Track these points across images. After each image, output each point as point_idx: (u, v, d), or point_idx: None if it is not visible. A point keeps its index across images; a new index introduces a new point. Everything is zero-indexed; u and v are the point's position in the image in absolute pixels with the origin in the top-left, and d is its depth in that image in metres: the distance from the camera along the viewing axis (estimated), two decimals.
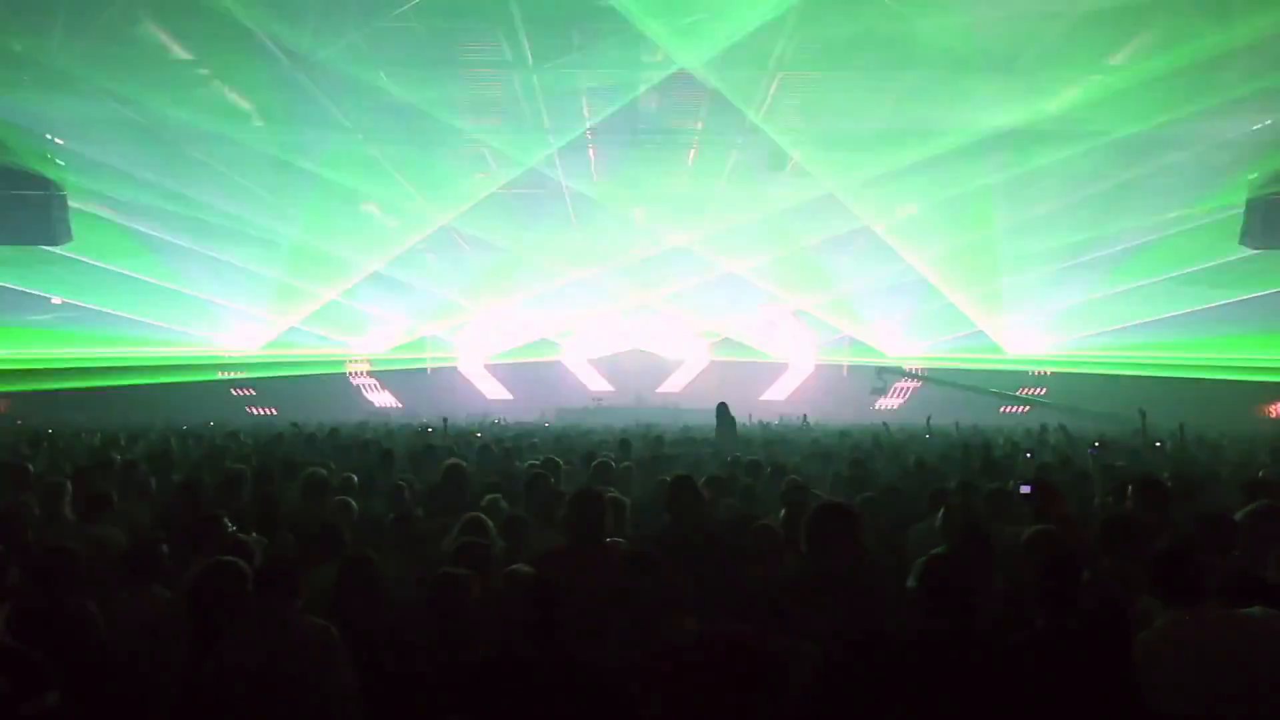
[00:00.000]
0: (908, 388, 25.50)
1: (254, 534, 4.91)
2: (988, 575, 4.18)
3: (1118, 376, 20.76)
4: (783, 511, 5.18)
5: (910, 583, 4.52)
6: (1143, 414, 11.93)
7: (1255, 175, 16.34)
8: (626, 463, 8.35)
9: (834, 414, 21.84)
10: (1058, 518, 5.01)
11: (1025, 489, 5.43)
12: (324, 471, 6.82)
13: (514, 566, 4.04)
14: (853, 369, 26.28)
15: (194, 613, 3.61)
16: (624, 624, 3.60)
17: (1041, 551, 3.82)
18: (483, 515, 4.89)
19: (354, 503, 5.82)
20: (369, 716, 3.45)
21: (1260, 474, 7.32)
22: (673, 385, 27.83)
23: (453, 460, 7.13)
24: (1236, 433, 13.49)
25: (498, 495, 5.85)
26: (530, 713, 3.12)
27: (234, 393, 24.80)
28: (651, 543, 4.66)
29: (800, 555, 4.23)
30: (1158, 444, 12.05)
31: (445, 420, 13.93)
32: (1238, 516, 4.64)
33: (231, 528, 4.73)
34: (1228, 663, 3.18)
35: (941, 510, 5.15)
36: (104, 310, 20.59)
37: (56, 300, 21.42)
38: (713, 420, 13.34)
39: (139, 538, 4.66)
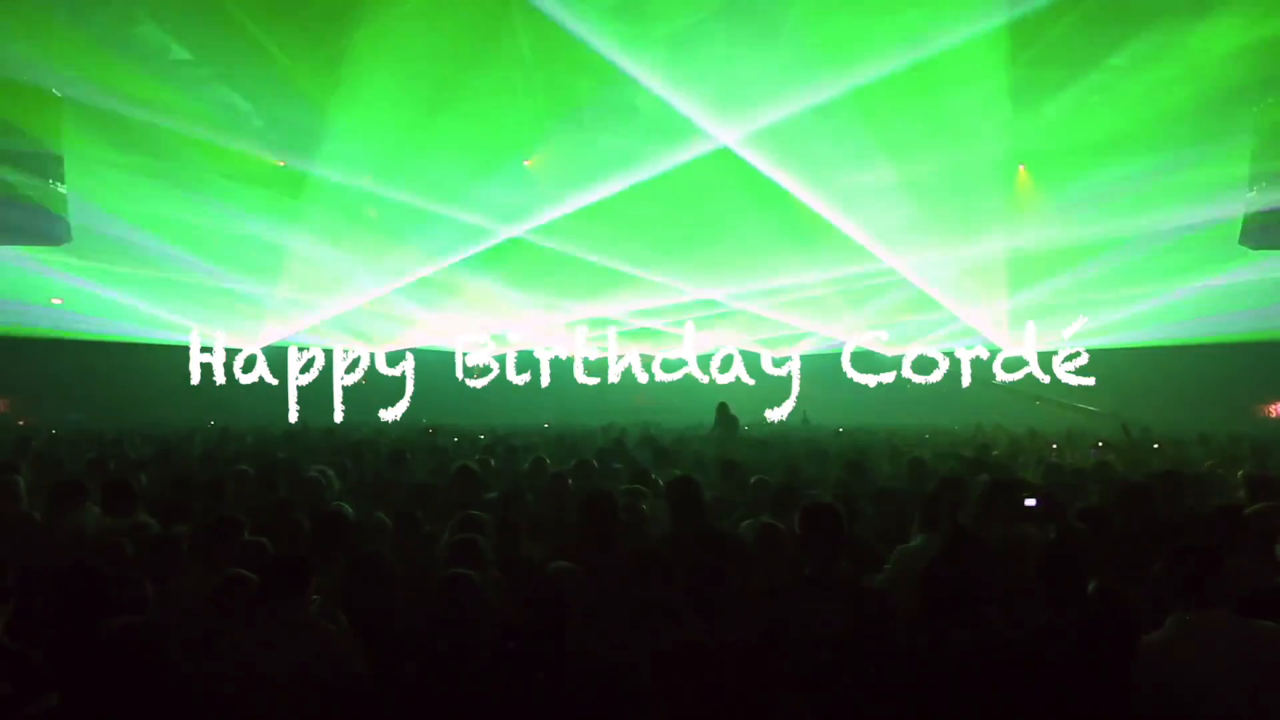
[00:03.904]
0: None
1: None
2: (987, 576, 4.15)
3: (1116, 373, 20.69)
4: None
5: (887, 578, 4.54)
6: (1126, 428, 12.42)
7: (1255, 173, 16.33)
8: (618, 465, 8.29)
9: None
10: (1064, 526, 5.01)
11: (1031, 502, 5.35)
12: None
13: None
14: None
15: (205, 615, 3.62)
16: (632, 623, 3.58)
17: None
18: (479, 513, 4.87)
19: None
20: (378, 715, 3.45)
21: (1240, 473, 7.20)
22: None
23: (462, 463, 7.12)
24: (1226, 432, 13.50)
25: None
26: (537, 711, 3.12)
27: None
28: (655, 542, 4.65)
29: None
30: (1155, 445, 12.09)
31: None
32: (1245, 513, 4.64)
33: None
34: (1235, 673, 3.11)
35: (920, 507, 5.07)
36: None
37: (57, 301, 21.42)
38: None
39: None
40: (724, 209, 19.48)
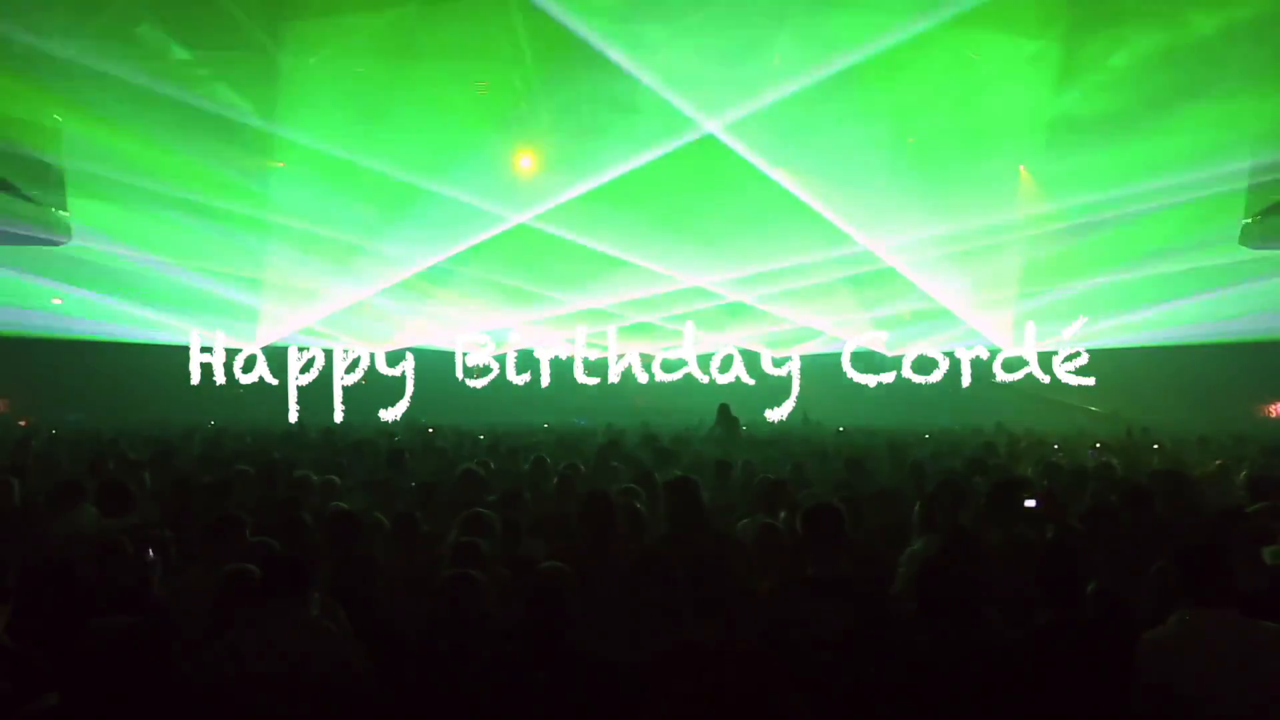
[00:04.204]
0: None
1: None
2: (982, 577, 4.13)
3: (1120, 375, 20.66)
4: (783, 514, 5.16)
5: (898, 584, 4.54)
6: (1129, 430, 12.53)
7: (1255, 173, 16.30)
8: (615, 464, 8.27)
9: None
10: (1063, 527, 5.01)
11: (1031, 503, 5.33)
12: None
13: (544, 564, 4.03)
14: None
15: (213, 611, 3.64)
16: (633, 623, 3.58)
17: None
18: (484, 512, 4.85)
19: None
20: (378, 715, 3.44)
21: (1243, 473, 7.20)
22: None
23: (467, 466, 7.11)
24: (1228, 433, 13.53)
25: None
26: (538, 711, 3.12)
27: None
28: (652, 543, 4.65)
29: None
30: (1155, 445, 12.12)
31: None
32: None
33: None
34: (1236, 672, 3.08)
35: (918, 505, 5.05)
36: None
37: (57, 301, 21.44)
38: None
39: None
40: (716, 196, 19.39)
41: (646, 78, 14.35)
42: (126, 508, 5.50)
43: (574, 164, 18.04)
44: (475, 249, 20.39)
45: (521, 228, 19.52)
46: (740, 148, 16.54)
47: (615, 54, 13.60)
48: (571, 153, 18.12)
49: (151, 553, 4.23)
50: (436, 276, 21.64)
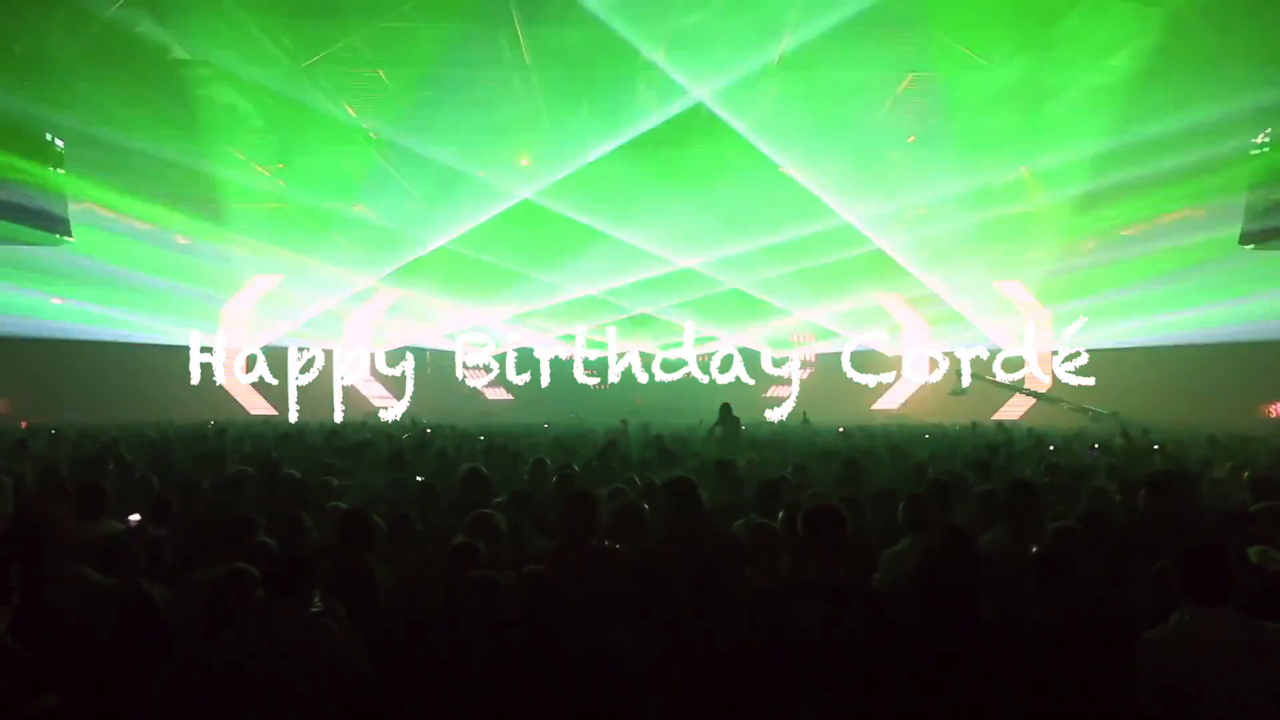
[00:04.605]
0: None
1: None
2: (982, 577, 4.12)
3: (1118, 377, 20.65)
4: (781, 513, 5.15)
5: (881, 576, 4.53)
6: (1125, 434, 12.53)
7: (1255, 173, 16.30)
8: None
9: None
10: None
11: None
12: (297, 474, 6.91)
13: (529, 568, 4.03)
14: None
15: (207, 611, 3.64)
16: (633, 623, 3.58)
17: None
18: (489, 514, 4.84)
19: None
20: (379, 714, 3.44)
21: (1245, 474, 7.17)
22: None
23: (472, 465, 7.08)
24: (1235, 434, 13.52)
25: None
26: (539, 711, 3.12)
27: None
28: (652, 544, 4.63)
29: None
30: (1155, 446, 12.11)
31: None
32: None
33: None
34: (1238, 671, 3.08)
35: (902, 505, 5.03)
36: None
37: (57, 300, 21.45)
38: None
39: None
40: (712, 178, 19.33)
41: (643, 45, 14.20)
42: (101, 509, 5.47)
43: (566, 142, 17.92)
44: (473, 232, 20.25)
45: (523, 205, 19.31)
46: (735, 125, 16.49)
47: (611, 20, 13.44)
48: (563, 129, 18.00)
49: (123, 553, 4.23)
50: (434, 266, 21.55)
